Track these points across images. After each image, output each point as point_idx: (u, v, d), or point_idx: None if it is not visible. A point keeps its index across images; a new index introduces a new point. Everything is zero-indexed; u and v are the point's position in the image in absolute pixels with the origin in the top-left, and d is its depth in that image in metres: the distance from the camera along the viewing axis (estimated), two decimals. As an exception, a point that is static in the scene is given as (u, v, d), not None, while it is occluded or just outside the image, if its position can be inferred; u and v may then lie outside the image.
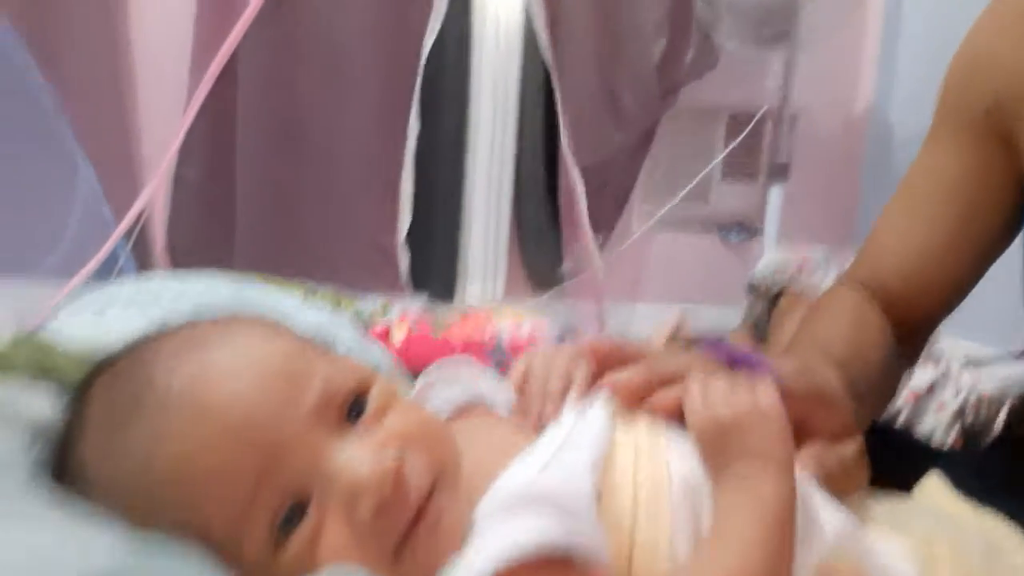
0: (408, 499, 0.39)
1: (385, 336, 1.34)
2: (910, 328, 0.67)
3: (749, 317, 1.54)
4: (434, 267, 1.95)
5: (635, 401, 0.46)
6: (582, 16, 1.97)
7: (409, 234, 1.86)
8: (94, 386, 0.42)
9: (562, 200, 2.04)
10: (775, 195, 2.03)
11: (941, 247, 0.65)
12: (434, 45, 1.74)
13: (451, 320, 1.59)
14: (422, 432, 0.42)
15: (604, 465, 0.43)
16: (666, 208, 2.15)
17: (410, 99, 1.73)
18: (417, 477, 0.40)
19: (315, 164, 1.84)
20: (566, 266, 2.08)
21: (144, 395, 0.39)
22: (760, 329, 1.49)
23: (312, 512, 0.38)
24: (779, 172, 2.01)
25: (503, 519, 0.39)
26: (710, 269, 2.23)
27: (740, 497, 0.41)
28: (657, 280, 2.16)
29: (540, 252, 2.04)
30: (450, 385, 0.52)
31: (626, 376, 0.46)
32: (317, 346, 0.45)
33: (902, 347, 0.67)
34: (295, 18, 1.76)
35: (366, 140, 1.84)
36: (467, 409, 0.51)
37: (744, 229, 2.26)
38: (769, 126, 2.20)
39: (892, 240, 0.68)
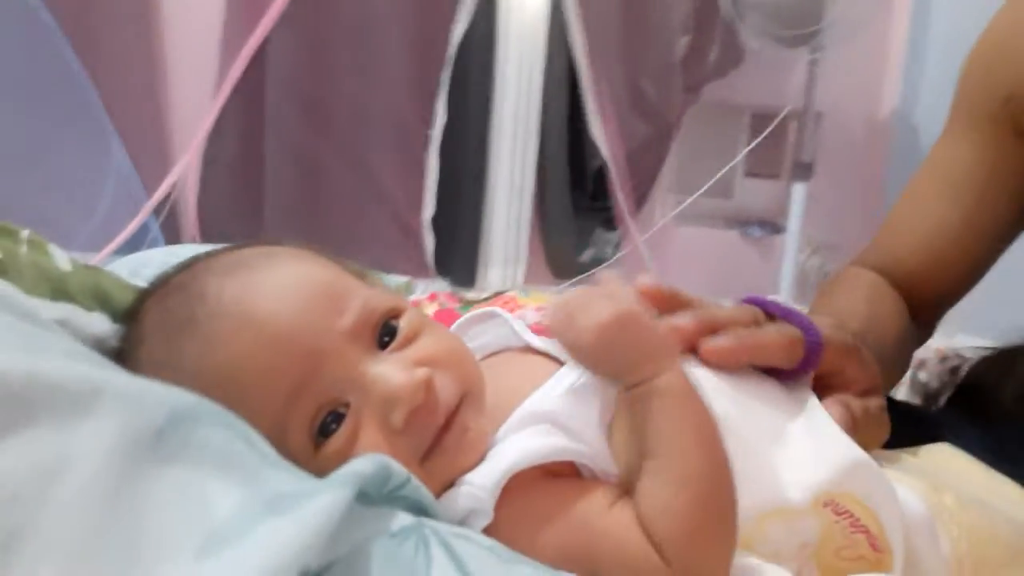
0: (437, 410, 0.42)
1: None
2: (924, 305, 0.69)
3: None
4: (457, 252, 1.98)
5: (684, 347, 0.46)
6: (610, 9, 2.00)
7: (434, 219, 1.88)
8: (149, 300, 0.46)
9: (586, 188, 2.06)
10: (798, 193, 2.03)
11: (957, 227, 0.66)
12: (464, 34, 1.76)
13: (478, 300, 1.62)
14: (450, 355, 0.45)
15: (613, 392, 0.44)
16: (687, 202, 2.16)
17: (437, 84, 1.76)
18: (445, 392, 0.43)
19: (343, 144, 1.87)
20: (587, 255, 2.10)
21: (196, 307, 0.42)
22: None
23: (349, 418, 0.42)
24: (803, 171, 2.01)
25: (518, 434, 0.43)
26: (732, 264, 2.23)
27: (647, 408, 0.41)
28: (679, 273, 2.17)
29: (562, 240, 2.06)
30: (481, 335, 0.54)
31: (676, 322, 0.46)
32: (355, 270, 0.48)
33: (915, 324, 0.68)
34: (326, 2, 1.80)
35: (394, 123, 1.88)
36: (498, 354, 0.54)
37: (767, 226, 2.27)
38: (793, 125, 2.21)
39: (910, 218, 0.70)
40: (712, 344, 0.45)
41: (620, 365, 0.42)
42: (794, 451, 0.44)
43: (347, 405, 0.42)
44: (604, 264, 2.12)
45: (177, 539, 0.29)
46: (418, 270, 1.90)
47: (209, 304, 0.42)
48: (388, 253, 1.86)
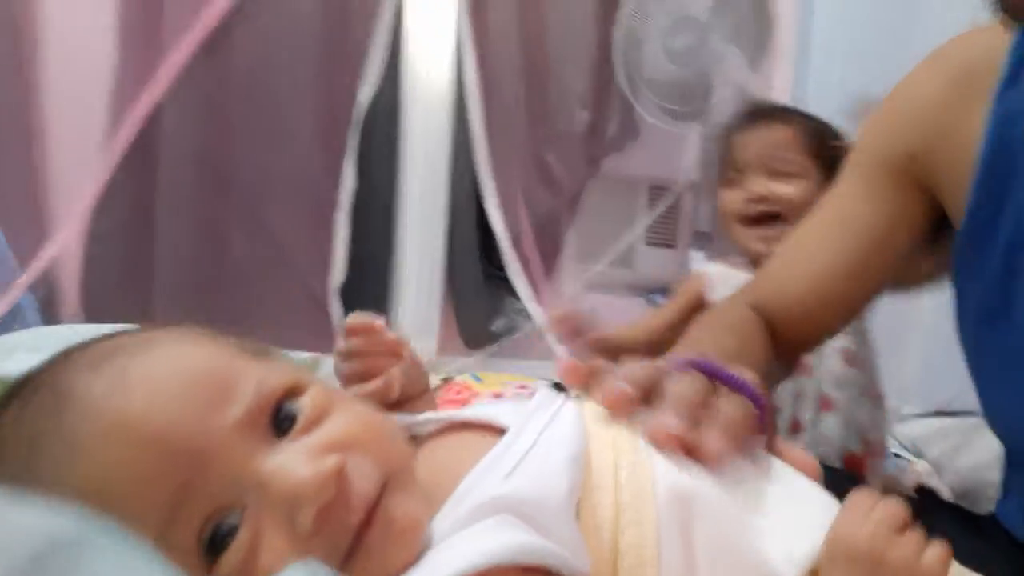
0: (353, 503, 0.36)
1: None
2: (794, 344, 0.70)
3: None
4: (365, 324, 1.90)
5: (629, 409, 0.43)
6: (511, 85, 2.05)
7: (341, 289, 1.81)
8: (10, 402, 0.38)
9: (494, 258, 2.05)
10: (697, 261, 2.11)
11: (842, 273, 0.68)
12: (372, 97, 1.75)
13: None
14: (366, 433, 0.39)
15: (581, 463, 0.40)
16: (591, 272, 2.21)
17: (344, 146, 1.72)
18: (362, 479, 0.37)
19: (244, 210, 1.77)
20: (499, 324, 2.08)
21: (62, 408, 0.36)
22: None
23: (245, 526, 0.35)
24: (702, 240, 2.10)
25: (468, 528, 0.36)
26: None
27: None
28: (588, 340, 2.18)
29: (473, 310, 2.04)
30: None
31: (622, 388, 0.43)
32: (250, 349, 0.41)
33: (780, 362, 0.69)
34: (226, 63, 1.74)
35: (299, 187, 1.81)
36: (437, 432, 0.47)
37: (668, 293, 2.34)
38: (688, 196, 2.32)
39: (796, 261, 0.72)
40: (707, 447, 0.41)
41: None
42: (775, 521, 0.40)
43: (242, 510, 0.35)
44: (515, 333, 2.10)
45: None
46: (325, 343, 1.81)
47: (76, 404, 0.36)
48: (293, 326, 1.76)
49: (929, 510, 0.67)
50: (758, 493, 0.41)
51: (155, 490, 0.34)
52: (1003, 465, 0.68)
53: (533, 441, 0.40)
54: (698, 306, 1.19)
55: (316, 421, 0.38)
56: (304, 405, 0.38)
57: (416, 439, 0.47)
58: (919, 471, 1.46)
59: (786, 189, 1.11)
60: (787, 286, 0.70)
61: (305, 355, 1.77)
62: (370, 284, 1.90)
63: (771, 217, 1.12)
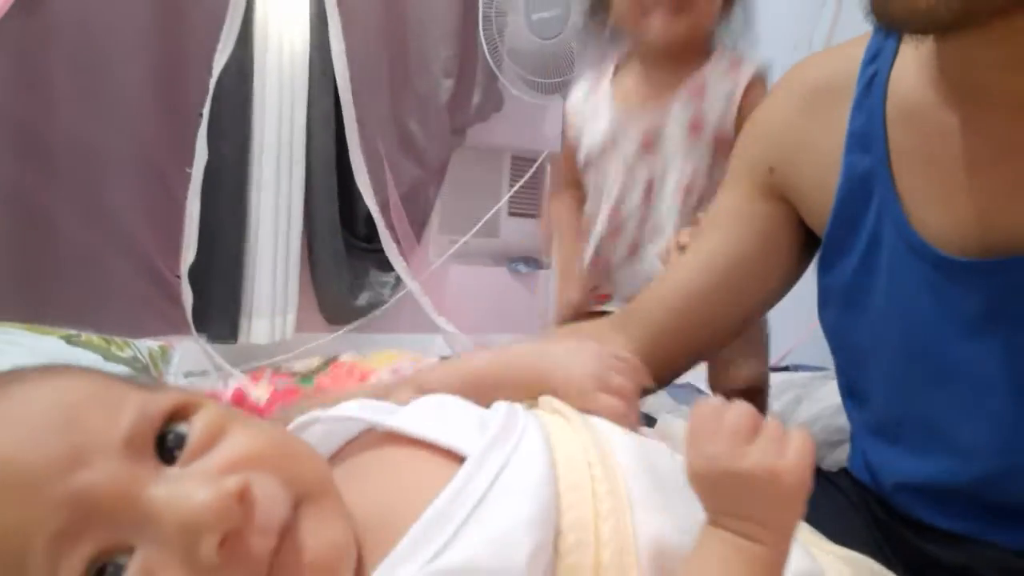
0: (263, 527, 0.32)
1: (240, 400, 1.18)
2: (667, 357, 0.71)
3: None
4: (214, 303, 1.79)
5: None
6: (373, 52, 1.98)
7: (191, 270, 1.69)
8: None
9: (357, 231, 1.99)
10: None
11: (704, 287, 0.69)
12: (223, 71, 1.61)
13: (314, 369, 1.43)
14: (272, 449, 0.35)
15: (551, 517, 0.36)
16: (461, 241, 2.20)
17: (196, 118, 1.58)
18: (271, 500, 0.33)
19: (75, 188, 1.58)
20: (363, 298, 2.03)
21: None
22: None
23: (136, 567, 0.31)
24: (562, 209, 2.14)
25: None
26: (502, 299, 2.30)
27: (726, 550, 0.35)
28: (454, 310, 2.19)
29: (335, 285, 1.97)
30: (333, 421, 0.43)
31: None
32: (131, 380, 0.37)
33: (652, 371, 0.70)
34: (46, 22, 1.54)
35: (141, 162, 1.65)
36: (362, 441, 0.43)
37: (531, 262, 2.38)
38: (550, 167, 2.36)
39: (663, 278, 0.73)
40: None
41: (738, 507, 0.35)
42: None
43: (130, 551, 0.31)
44: (380, 308, 2.06)
45: None
46: (173, 328, 1.69)
47: None
48: (137, 311, 1.62)
49: None
50: None
51: (30, 539, 0.30)
52: (853, 433, 0.74)
53: (490, 482, 0.36)
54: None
55: (210, 442, 0.34)
56: (194, 426, 0.34)
57: (357, 442, 0.42)
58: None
59: None
60: (653, 311, 0.71)
61: (155, 343, 1.66)
62: (221, 262, 1.79)
63: (673, 5, 1.03)
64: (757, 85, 1.07)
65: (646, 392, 0.56)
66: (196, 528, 0.30)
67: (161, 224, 1.65)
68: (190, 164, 1.57)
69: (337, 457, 0.43)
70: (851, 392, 0.68)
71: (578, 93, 1.19)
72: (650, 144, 1.11)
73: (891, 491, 0.64)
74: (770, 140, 0.67)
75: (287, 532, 0.33)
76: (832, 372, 1.29)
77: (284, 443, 0.37)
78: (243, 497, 0.31)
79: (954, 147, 0.54)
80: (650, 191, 1.12)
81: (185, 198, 1.60)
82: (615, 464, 0.39)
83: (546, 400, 0.48)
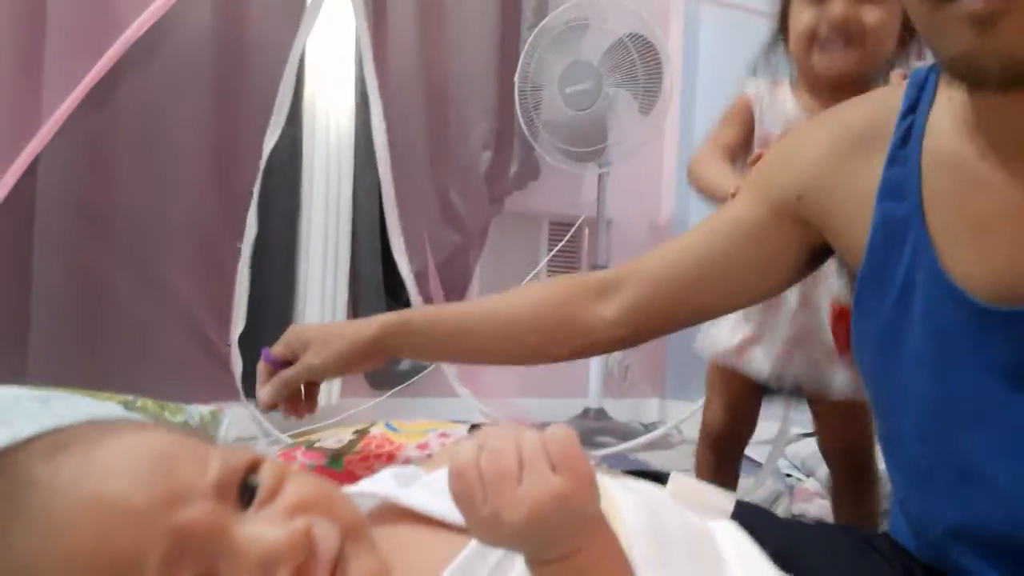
0: (322, 560, 0.39)
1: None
2: (647, 325, 0.74)
3: None
4: (266, 371, 1.84)
5: None
6: (415, 127, 2.07)
7: (241, 338, 1.75)
8: None
9: (400, 297, 2.05)
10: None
11: (696, 271, 0.72)
12: (274, 149, 1.71)
13: (344, 448, 1.45)
14: (321, 497, 0.42)
15: None
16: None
17: (248, 195, 1.67)
18: (327, 539, 0.40)
19: (130, 259, 1.68)
20: (405, 364, 2.07)
21: (25, 494, 0.37)
22: None
23: None
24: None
25: None
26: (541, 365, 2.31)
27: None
28: (495, 378, 2.21)
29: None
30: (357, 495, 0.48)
31: None
32: (202, 436, 0.44)
33: (633, 335, 0.74)
34: (112, 110, 1.66)
35: (194, 236, 1.74)
36: (380, 515, 0.48)
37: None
38: (587, 231, 2.41)
39: (658, 251, 0.76)
40: None
41: (545, 544, 0.34)
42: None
43: None
44: (422, 373, 2.10)
45: None
46: (223, 394, 1.74)
47: (42, 489, 0.37)
48: (190, 379, 1.68)
49: (827, 536, 0.72)
50: None
51: (140, 563, 0.36)
52: (892, 486, 0.73)
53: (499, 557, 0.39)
54: (748, 123, 1.13)
55: (275, 491, 0.41)
56: (264, 477, 0.41)
57: (369, 516, 0.47)
58: (808, 489, 1.54)
59: (872, 14, 1.01)
60: (648, 265, 0.74)
61: (206, 408, 1.70)
62: (271, 330, 1.86)
63: (845, 40, 1.02)
64: None
65: None
66: (275, 560, 0.37)
67: (213, 296, 1.73)
68: (240, 239, 1.65)
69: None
70: (888, 440, 0.68)
71: (754, 86, 1.16)
72: None
73: (939, 540, 0.63)
74: (802, 171, 0.69)
75: (337, 565, 0.39)
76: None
77: (329, 492, 0.44)
78: (308, 535, 0.38)
79: (988, 197, 0.56)
80: None
81: (235, 271, 1.68)
82: (620, 524, 0.42)
83: None
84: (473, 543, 0.41)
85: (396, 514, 0.47)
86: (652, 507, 0.45)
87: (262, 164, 1.67)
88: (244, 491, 0.40)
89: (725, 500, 0.49)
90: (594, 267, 2.21)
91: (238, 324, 1.69)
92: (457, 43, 2.16)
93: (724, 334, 1.15)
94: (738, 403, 1.17)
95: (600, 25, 2.03)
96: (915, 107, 0.61)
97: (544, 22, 2.07)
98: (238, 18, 1.81)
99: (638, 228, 2.49)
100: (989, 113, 0.56)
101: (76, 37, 1.61)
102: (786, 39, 1.11)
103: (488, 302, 0.78)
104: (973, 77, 0.50)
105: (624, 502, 0.44)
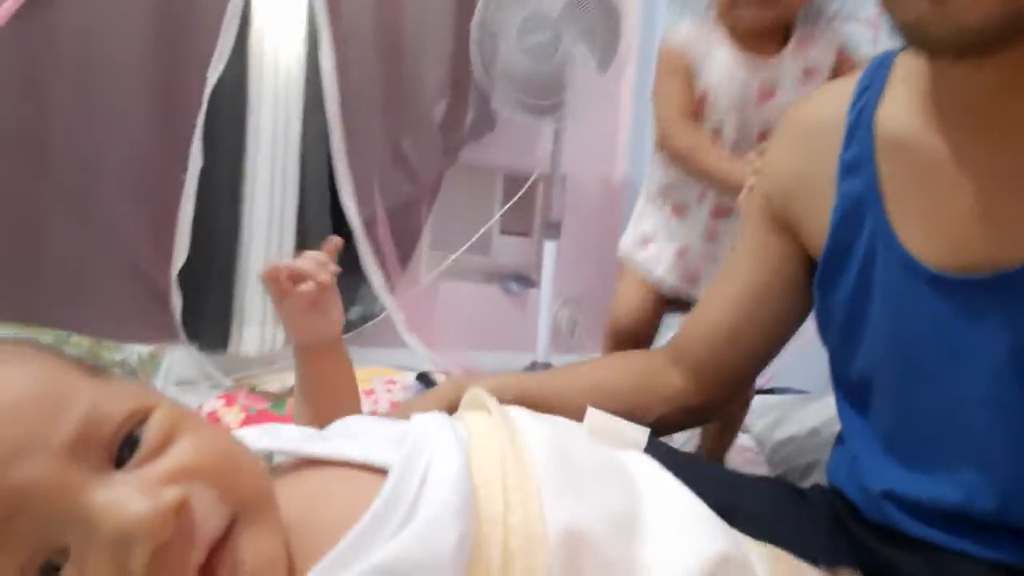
0: (194, 540, 0.33)
1: (214, 423, 1.21)
2: (718, 384, 0.78)
3: None
4: (206, 312, 1.81)
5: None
6: (367, 71, 2.02)
7: (182, 279, 1.71)
8: None
9: (351, 247, 2.02)
10: (549, 250, 2.18)
11: (737, 321, 0.75)
12: (219, 83, 1.65)
13: (285, 390, 1.43)
14: (217, 461, 0.36)
15: (471, 509, 0.37)
16: (451, 259, 2.23)
17: (191, 128, 1.62)
18: (207, 514, 0.34)
19: (68, 193, 1.62)
20: (354, 312, 2.05)
21: None
22: None
23: (70, 570, 0.31)
24: (552, 229, 2.17)
25: None
26: (493, 317, 2.32)
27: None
28: (444, 327, 2.21)
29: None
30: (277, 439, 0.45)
31: None
32: (88, 367, 0.37)
33: (708, 399, 0.77)
34: (48, 32, 1.58)
35: (135, 169, 1.68)
36: (294, 466, 0.44)
37: (522, 280, 2.40)
38: (541, 187, 2.40)
39: (701, 312, 0.80)
40: None
41: None
42: (657, 548, 0.40)
43: (65, 551, 0.32)
44: (370, 322, 2.09)
45: None
46: (163, 334, 1.71)
47: None
48: (130, 318, 1.64)
49: (758, 486, 0.76)
50: (636, 519, 0.41)
51: None
52: (845, 434, 0.76)
53: (416, 490, 0.37)
54: (688, 75, 1.17)
55: (160, 448, 0.34)
56: (149, 430, 0.35)
57: (275, 470, 0.44)
58: (743, 445, 1.60)
59: None
60: (697, 350, 0.77)
61: (144, 349, 1.67)
62: (213, 272, 1.82)
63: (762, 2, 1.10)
64: (844, 51, 1.16)
65: None
66: (129, 538, 0.31)
67: (154, 231, 1.69)
68: (184, 171, 1.60)
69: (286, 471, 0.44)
70: (852, 402, 0.71)
71: (682, 32, 1.21)
72: (767, 94, 1.16)
73: (876, 497, 0.66)
74: (771, 175, 0.74)
75: (223, 545, 0.34)
76: (811, 396, 1.32)
77: (230, 454, 0.37)
78: (180, 511, 0.32)
79: (939, 170, 0.58)
80: (765, 139, 1.16)
81: (177, 206, 1.63)
82: (528, 456, 0.41)
83: (473, 394, 0.51)
84: (390, 478, 0.38)
85: (310, 464, 0.43)
86: (561, 439, 0.45)
87: (206, 96, 1.61)
88: (124, 445, 0.34)
89: (639, 433, 0.50)
90: (547, 224, 2.21)
91: (180, 257, 1.65)
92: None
93: (630, 230, 1.25)
94: (640, 304, 1.23)
95: (561, -24, 2.00)
96: (867, 89, 0.64)
97: (505, -30, 2.03)
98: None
99: (591, 185, 2.49)
100: (942, 82, 0.58)
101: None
102: None
103: (565, 373, 0.79)
104: (926, 43, 0.52)
105: (533, 435, 0.44)
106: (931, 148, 0.59)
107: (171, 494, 0.32)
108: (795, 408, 1.60)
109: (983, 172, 0.56)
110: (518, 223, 2.44)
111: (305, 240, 1.95)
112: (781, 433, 1.55)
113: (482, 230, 2.30)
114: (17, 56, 1.54)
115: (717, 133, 1.20)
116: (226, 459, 0.36)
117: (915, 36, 0.52)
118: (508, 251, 2.43)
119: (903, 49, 0.61)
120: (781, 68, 1.16)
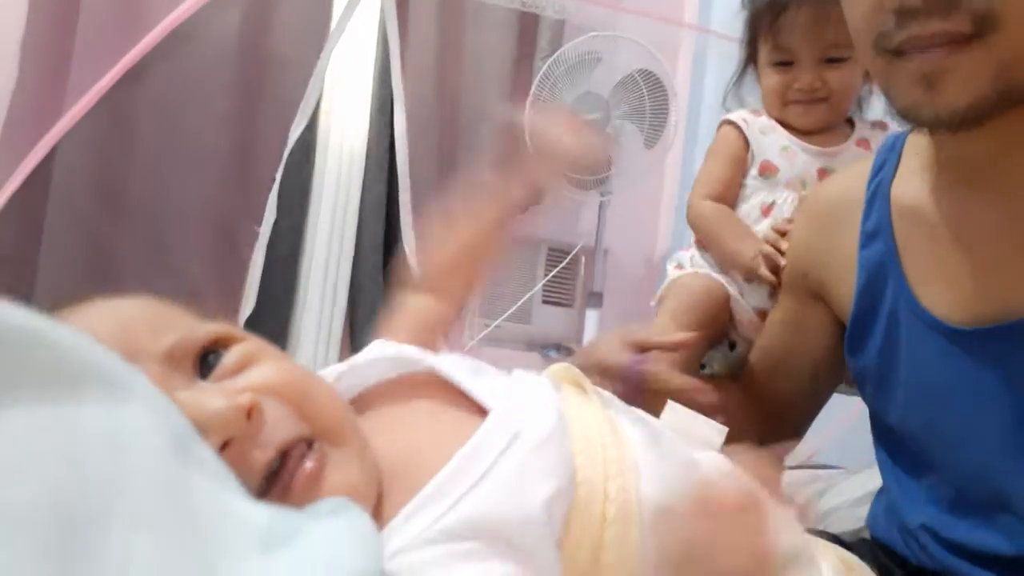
0: (262, 439, 0.36)
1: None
2: (775, 412, 0.84)
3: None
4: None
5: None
6: (427, 150, 2.13)
7: (245, 324, 1.78)
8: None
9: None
10: (591, 319, 2.22)
11: (771, 369, 0.84)
12: (296, 143, 1.77)
13: None
14: (293, 386, 0.39)
15: (567, 470, 0.38)
16: (491, 327, 2.27)
17: (269, 181, 1.72)
18: (279, 422, 0.37)
19: (143, 237, 1.72)
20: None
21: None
22: None
23: None
24: (594, 299, 2.22)
25: (443, 562, 0.34)
26: (533, 385, 2.34)
27: None
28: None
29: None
30: (373, 363, 0.48)
31: None
32: (192, 311, 0.43)
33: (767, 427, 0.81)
34: (139, 93, 1.71)
35: (209, 218, 1.78)
36: (394, 385, 0.47)
37: (562, 348, 2.43)
38: (583, 259, 2.46)
39: (754, 357, 0.89)
40: None
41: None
42: None
43: None
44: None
45: (233, 537, 0.26)
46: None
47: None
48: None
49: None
50: None
51: None
52: (887, 483, 0.78)
53: (512, 437, 0.39)
54: (741, 156, 1.13)
55: (239, 369, 0.39)
56: (230, 352, 0.39)
57: (361, 400, 0.45)
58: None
59: (836, 78, 1.07)
60: (755, 374, 0.86)
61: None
62: (269, 324, 1.88)
63: (813, 101, 1.08)
64: None
65: None
66: (204, 429, 0.34)
67: (223, 279, 1.77)
68: (258, 224, 1.69)
69: (367, 399, 0.47)
70: (889, 451, 0.74)
71: (740, 114, 1.18)
72: (826, 175, 1.14)
73: (915, 532, 0.69)
74: (799, 252, 0.81)
75: (290, 453, 0.36)
76: (853, 469, 1.32)
77: (307, 382, 0.41)
78: (251, 413, 0.35)
79: (950, 232, 0.63)
80: None
81: (249, 257, 1.72)
82: (624, 434, 0.43)
83: (565, 370, 0.51)
84: (490, 420, 0.40)
85: (413, 387, 0.46)
86: (651, 425, 0.47)
87: (286, 153, 1.72)
88: (206, 361, 0.39)
89: (716, 433, 0.50)
90: (590, 293, 2.25)
91: (248, 306, 1.71)
92: (473, 70, 2.23)
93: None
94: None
95: (612, 59, 2.12)
96: (882, 167, 0.71)
97: (559, 52, 2.16)
98: (263, 29, 1.88)
99: (633, 259, 2.55)
100: (944, 151, 0.64)
101: (107, 33, 1.66)
102: (756, 68, 1.16)
103: None
104: (922, 123, 0.58)
105: (626, 416, 0.47)
106: (940, 211, 0.64)
107: (244, 397, 0.36)
108: (837, 479, 1.59)
109: (987, 229, 0.60)
110: (560, 294, 2.49)
111: (355, 308, 2.02)
112: (825, 503, 1.53)
113: (522, 299, 2.35)
114: (117, 116, 1.66)
115: (770, 207, 1.21)
116: (302, 384, 0.40)
117: (912, 118, 0.57)
118: (549, 320, 2.47)
119: (912, 129, 0.67)
120: (842, 158, 1.12)
